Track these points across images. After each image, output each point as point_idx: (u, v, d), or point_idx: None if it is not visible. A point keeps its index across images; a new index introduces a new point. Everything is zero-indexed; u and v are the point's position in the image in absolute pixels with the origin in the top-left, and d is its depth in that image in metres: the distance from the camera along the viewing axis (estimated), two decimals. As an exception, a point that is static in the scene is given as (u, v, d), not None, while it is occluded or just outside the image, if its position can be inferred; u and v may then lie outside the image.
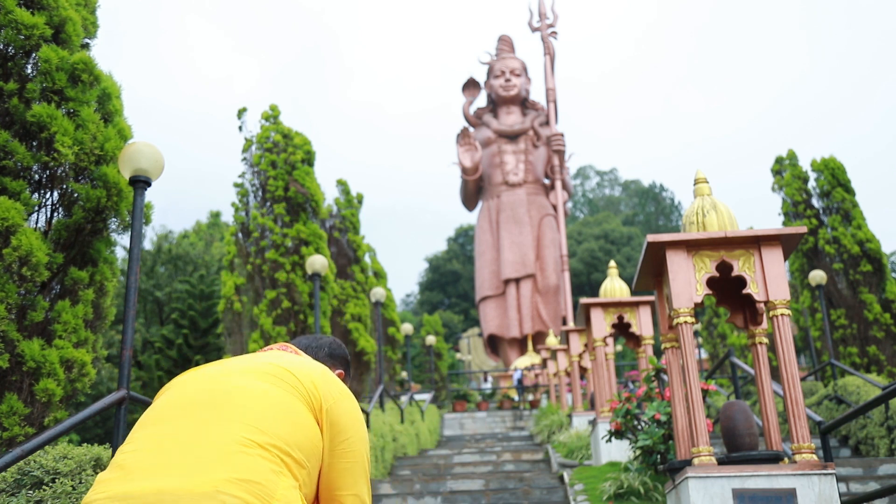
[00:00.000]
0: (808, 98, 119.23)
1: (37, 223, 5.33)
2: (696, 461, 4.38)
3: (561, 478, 7.93)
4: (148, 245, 26.78)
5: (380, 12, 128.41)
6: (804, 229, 4.57)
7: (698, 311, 5.13)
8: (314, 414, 1.65)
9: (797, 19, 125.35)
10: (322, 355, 2.05)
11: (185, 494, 1.38)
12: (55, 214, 5.43)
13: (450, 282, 56.70)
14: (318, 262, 10.10)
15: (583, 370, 11.61)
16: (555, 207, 27.68)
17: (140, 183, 5.22)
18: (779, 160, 15.28)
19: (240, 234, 12.59)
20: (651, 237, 4.69)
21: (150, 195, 5.52)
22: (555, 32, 29.09)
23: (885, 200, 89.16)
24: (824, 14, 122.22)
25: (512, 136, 29.44)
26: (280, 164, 12.43)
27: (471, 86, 30.64)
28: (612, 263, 9.43)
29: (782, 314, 4.47)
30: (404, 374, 22.57)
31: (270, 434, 1.52)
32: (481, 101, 31.32)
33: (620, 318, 8.58)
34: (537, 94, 30.47)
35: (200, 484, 1.40)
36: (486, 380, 28.19)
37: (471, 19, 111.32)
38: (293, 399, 1.63)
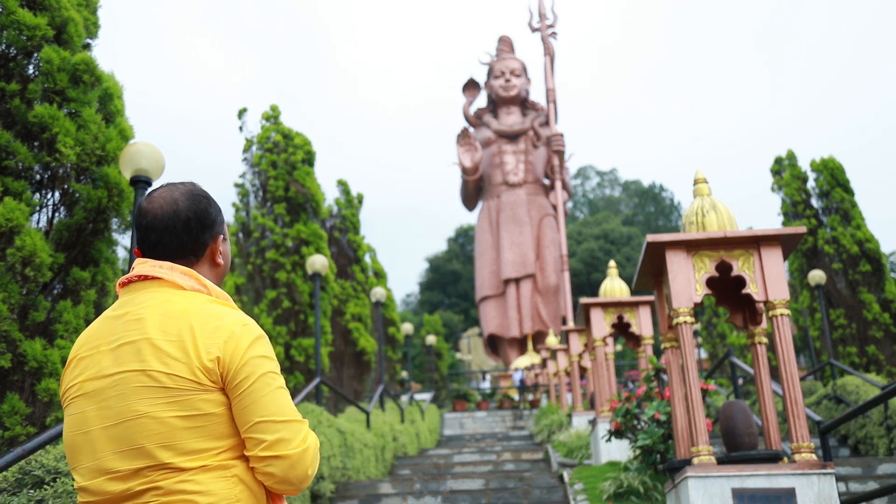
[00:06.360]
0: (809, 94, 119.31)
1: (38, 223, 5.34)
2: (695, 461, 4.40)
3: (561, 477, 7.94)
4: (148, 245, 26.77)
5: (378, 11, 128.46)
6: (803, 229, 4.58)
7: (698, 310, 5.15)
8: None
9: (796, 20, 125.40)
10: (189, 238, 1.62)
11: None
12: (56, 214, 5.45)
13: (450, 282, 56.65)
14: (318, 261, 10.12)
15: (583, 370, 11.62)
16: (555, 207, 27.68)
17: (141, 183, 5.24)
18: (778, 160, 15.29)
19: (240, 234, 12.61)
20: (651, 237, 4.70)
21: (151, 195, 5.53)
22: (554, 33, 29.08)
23: (885, 200, 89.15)
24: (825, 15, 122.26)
25: (512, 137, 29.44)
26: (280, 164, 12.44)
27: (471, 86, 30.64)
28: (612, 263, 9.44)
29: (781, 314, 4.49)
30: (404, 374, 22.57)
31: None
32: (481, 101, 31.34)
33: (620, 317, 8.59)
34: (537, 95, 30.43)
35: None
36: (483, 379, 28.18)
37: (471, 19, 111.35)
38: None
